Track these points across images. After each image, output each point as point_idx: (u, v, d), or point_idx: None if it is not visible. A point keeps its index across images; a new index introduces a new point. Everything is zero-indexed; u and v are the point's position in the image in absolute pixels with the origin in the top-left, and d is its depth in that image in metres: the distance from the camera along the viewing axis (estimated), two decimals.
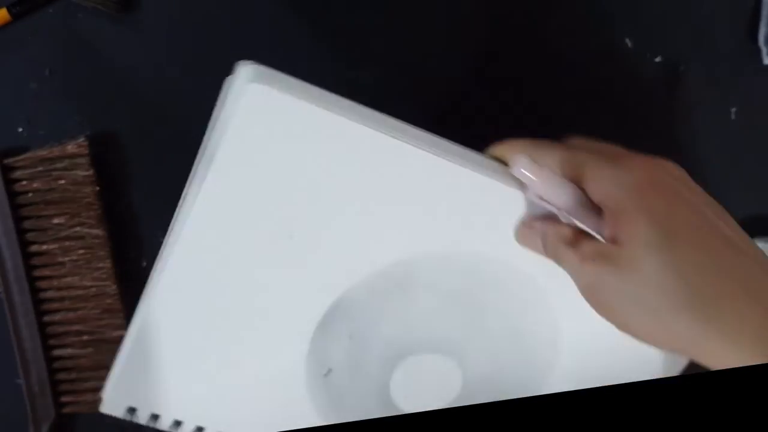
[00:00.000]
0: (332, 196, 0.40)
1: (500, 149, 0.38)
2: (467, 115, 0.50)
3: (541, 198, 0.37)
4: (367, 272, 0.42)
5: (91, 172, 0.48)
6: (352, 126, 0.37)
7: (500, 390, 0.47)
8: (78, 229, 0.49)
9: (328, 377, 0.45)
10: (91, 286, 0.49)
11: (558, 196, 0.36)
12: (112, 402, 0.44)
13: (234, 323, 0.43)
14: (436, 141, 0.39)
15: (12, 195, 0.49)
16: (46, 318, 0.49)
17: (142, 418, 0.45)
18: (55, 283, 0.49)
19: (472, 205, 0.40)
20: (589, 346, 0.45)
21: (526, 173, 0.37)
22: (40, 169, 0.48)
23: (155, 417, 0.46)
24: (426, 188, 0.40)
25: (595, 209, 0.35)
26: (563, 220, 0.38)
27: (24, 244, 0.49)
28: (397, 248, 0.41)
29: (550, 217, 0.38)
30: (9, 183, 0.48)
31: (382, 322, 0.44)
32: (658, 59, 0.50)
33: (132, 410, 0.45)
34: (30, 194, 0.49)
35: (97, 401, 0.48)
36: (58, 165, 0.48)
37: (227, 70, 0.49)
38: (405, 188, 0.40)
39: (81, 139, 0.48)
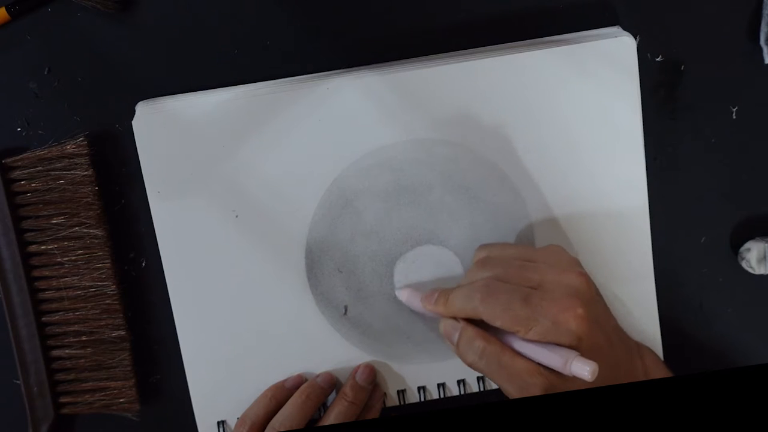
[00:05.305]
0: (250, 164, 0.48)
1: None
2: None
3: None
4: (316, 204, 0.48)
5: (90, 171, 0.48)
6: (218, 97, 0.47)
7: None
8: (77, 229, 0.49)
9: (349, 314, 0.49)
10: (90, 287, 0.49)
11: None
12: (204, 423, 0.50)
13: (242, 302, 0.49)
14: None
15: (11, 195, 0.48)
16: (45, 318, 0.49)
17: (230, 426, 0.50)
18: (54, 283, 0.49)
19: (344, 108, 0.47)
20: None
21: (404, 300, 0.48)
22: (39, 168, 0.48)
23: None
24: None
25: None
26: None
27: (23, 244, 0.49)
28: (330, 168, 0.48)
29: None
30: (8, 183, 0.48)
31: (355, 244, 0.49)
32: (658, 59, 0.50)
33: (222, 423, 0.50)
34: (29, 194, 0.49)
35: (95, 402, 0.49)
36: (57, 165, 0.48)
37: (226, 69, 0.49)
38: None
39: (80, 139, 0.48)
